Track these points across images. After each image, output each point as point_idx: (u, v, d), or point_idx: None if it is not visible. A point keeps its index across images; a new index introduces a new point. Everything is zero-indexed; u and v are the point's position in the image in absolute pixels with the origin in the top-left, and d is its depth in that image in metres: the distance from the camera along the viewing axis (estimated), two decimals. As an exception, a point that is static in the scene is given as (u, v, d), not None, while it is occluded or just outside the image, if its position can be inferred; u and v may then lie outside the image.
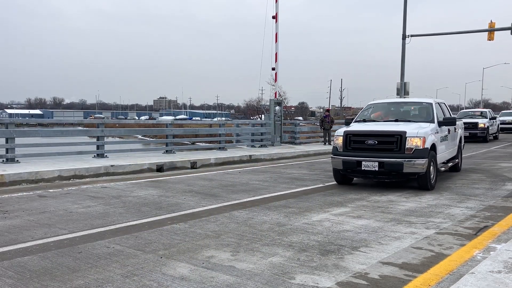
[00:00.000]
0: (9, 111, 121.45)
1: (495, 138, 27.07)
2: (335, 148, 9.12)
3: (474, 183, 9.45)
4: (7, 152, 10.96)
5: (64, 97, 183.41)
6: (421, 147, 8.23)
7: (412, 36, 28.05)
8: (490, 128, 24.79)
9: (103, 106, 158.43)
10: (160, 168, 11.84)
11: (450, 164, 10.56)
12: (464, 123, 23.84)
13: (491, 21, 26.54)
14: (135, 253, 4.60)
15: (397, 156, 8.27)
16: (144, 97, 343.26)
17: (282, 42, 18.68)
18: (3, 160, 10.97)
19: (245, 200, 7.66)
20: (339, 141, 8.98)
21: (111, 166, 10.90)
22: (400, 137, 8.31)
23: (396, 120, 9.58)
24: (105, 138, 13.12)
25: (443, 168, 9.81)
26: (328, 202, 7.39)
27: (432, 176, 8.61)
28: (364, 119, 10.13)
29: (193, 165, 12.75)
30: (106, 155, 12.78)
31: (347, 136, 8.90)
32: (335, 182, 9.54)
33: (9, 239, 5.13)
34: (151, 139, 22.60)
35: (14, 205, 7.10)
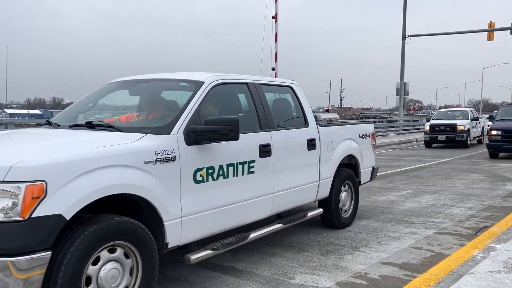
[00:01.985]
0: (8, 111, 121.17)
1: (479, 142, 21.86)
2: None
3: (474, 183, 9.45)
4: (6, 152, 10.94)
5: (63, 97, 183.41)
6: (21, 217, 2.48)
7: (412, 36, 28.16)
8: (472, 130, 20.23)
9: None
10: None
11: (274, 227, 4.46)
12: (441, 125, 20.15)
13: (491, 21, 26.60)
14: (135, 253, 4.60)
15: None
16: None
17: (281, 42, 18.69)
18: (3, 160, 10.95)
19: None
20: None
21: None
22: None
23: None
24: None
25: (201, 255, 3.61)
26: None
27: None
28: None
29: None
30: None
31: None
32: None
33: (9, 239, 5.12)
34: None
35: (14, 205, 7.08)
